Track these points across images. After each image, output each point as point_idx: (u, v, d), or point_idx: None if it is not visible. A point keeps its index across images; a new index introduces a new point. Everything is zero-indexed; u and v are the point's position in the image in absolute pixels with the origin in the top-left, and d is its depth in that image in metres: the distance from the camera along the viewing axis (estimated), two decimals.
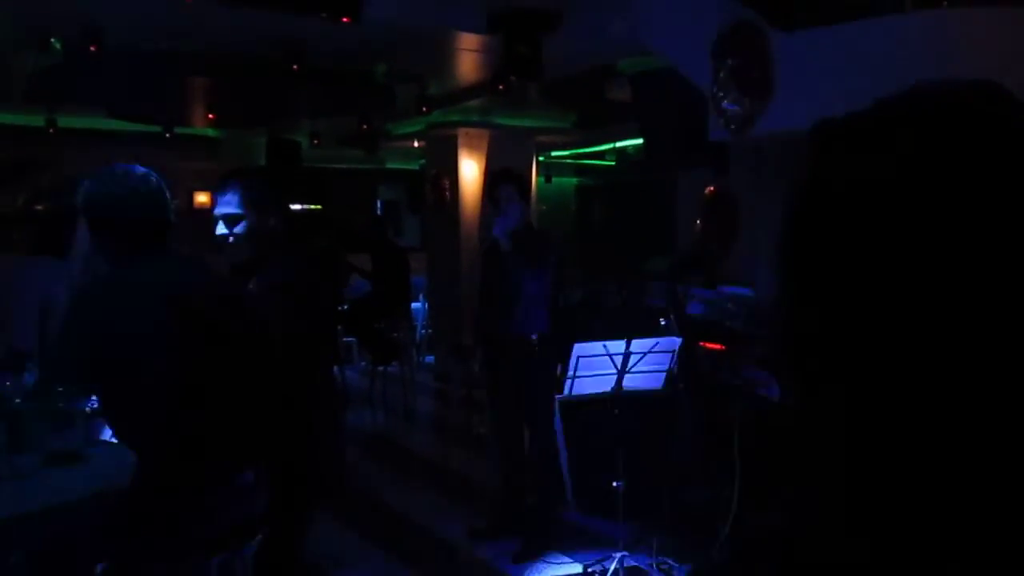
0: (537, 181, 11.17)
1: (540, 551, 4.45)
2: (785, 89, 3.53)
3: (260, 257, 3.06)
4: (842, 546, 0.64)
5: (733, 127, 3.64)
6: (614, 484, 3.90)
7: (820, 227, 0.66)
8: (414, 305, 9.97)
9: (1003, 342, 0.56)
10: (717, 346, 3.82)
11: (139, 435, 2.33)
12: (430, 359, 10.33)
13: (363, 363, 9.55)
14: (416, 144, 10.96)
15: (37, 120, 9.11)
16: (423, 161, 11.37)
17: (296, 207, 12.47)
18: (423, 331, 10.74)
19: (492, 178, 4.63)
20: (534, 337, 4.40)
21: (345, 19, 5.08)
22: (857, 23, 3.27)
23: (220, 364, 2.43)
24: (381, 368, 8.21)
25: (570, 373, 3.63)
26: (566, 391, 3.70)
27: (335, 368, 3.74)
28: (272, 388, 2.64)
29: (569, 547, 4.51)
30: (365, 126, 9.52)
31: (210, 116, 9.63)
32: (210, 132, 10.82)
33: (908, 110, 0.65)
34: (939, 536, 0.58)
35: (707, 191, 4.41)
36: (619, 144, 11.58)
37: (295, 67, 6.32)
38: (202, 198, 11.35)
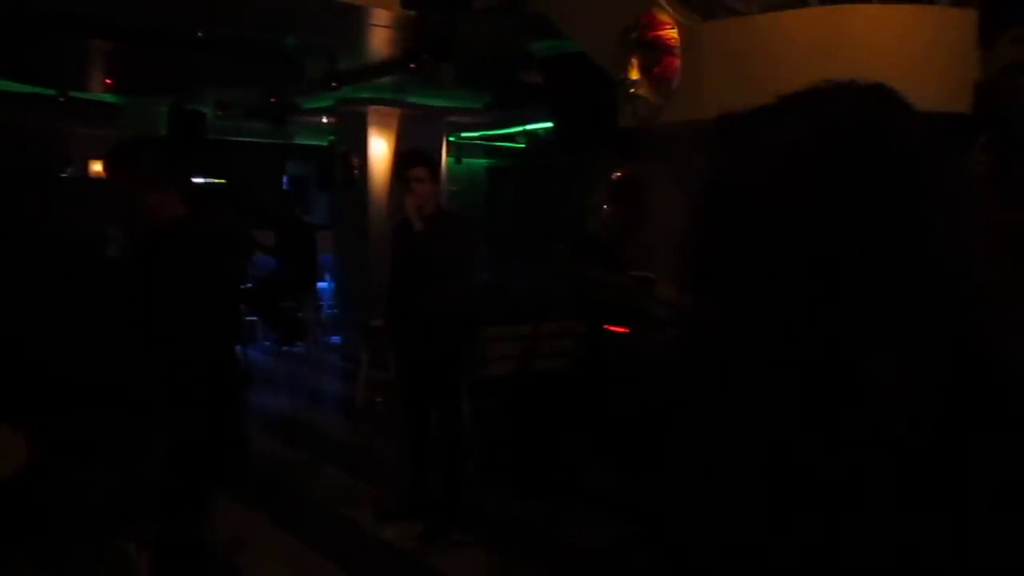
0: (448, 161, 11.13)
1: (446, 532, 4.47)
2: (694, 79, 3.61)
3: (160, 231, 2.97)
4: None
5: (641, 115, 3.71)
6: (520, 464, 3.95)
7: (717, 217, 0.68)
8: (321, 284, 9.82)
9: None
10: (622, 329, 3.90)
11: (17, 414, 2.24)
12: (336, 339, 10.20)
13: (267, 343, 9.36)
14: (325, 120, 10.75)
15: None
16: (333, 138, 11.16)
17: (199, 180, 12.07)
18: (329, 310, 10.59)
19: (403, 157, 4.59)
20: (443, 318, 4.39)
21: None
22: (763, 16, 3.37)
23: (113, 333, 2.36)
24: (286, 348, 8.06)
25: (478, 355, 3.64)
26: (474, 372, 3.71)
27: (238, 347, 3.65)
28: (169, 362, 2.57)
29: (475, 528, 4.54)
30: (273, 99, 9.28)
31: (108, 81, 9.19)
32: (108, 98, 10.34)
33: (804, 109, 0.68)
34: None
35: (614, 176, 4.48)
36: (530, 127, 11.64)
37: (199, 34, 6.10)
38: (98, 167, 10.85)
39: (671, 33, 3.68)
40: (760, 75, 3.33)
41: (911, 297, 0.58)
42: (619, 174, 4.48)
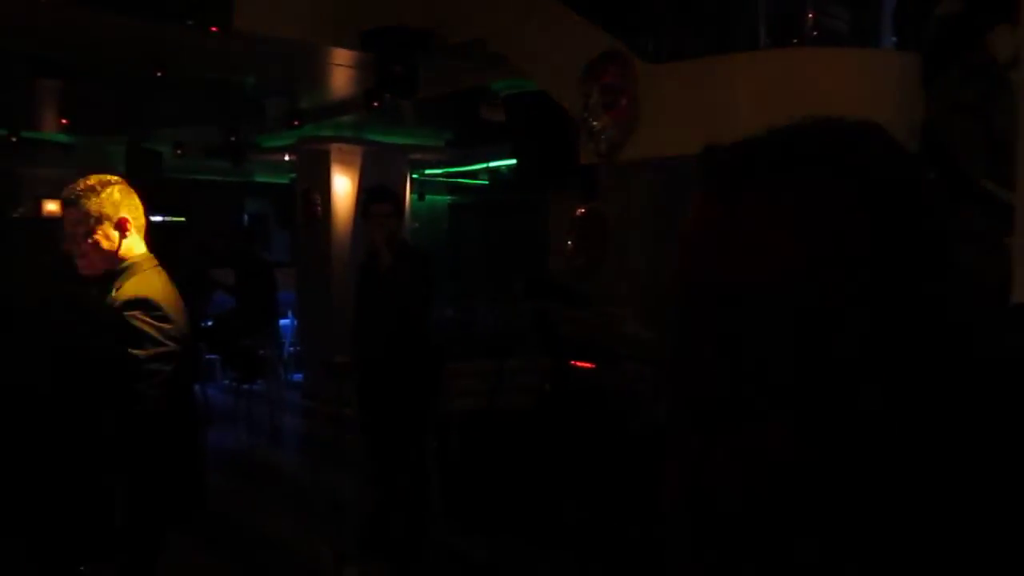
0: (411, 198, 11.14)
1: (409, 572, 4.41)
2: (653, 117, 3.69)
3: (114, 270, 2.93)
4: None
5: (602, 152, 3.77)
6: (485, 502, 3.93)
7: (707, 255, 0.68)
8: (282, 322, 9.72)
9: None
10: (588, 365, 3.92)
11: None
12: (298, 377, 10.08)
13: (226, 381, 9.22)
14: (287, 158, 10.73)
15: None
16: (293, 175, 11.13)
17: (157, 219, 11.94)
18: (291, 348, 10.48)
19: (368, 194, 4.61)
20: (407, 354, 4.38)
21: (213, 28, 4.94)
22: (717, 58, 3.47)
23: (67, 378, 2.32)
24: (246, 386, 7.95)
25: (443, 391, 3.64)
26: (438, 409, 3.70)
27: (195, 385, 3.60)
28: (121, 405, 2.53)
29: (439, 569, 4.50)
30: (232, 138, 9.24)
31: (63, 121, 9.10)
32: (61, 137, 10.22)
33: (804, 141, 0.68)
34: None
35: (577, 212, 4.54)
36: (492, 164, 11.72)
37: (159, 73, 6.09)
38: (51, 206, 10.68)
39: (629, 72, 3.76)
40: (715, 114, 3.42)
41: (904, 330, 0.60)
42: (582, 210, 4.54)
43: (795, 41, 3.76)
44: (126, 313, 2.58)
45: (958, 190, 3.17)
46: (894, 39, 4.06)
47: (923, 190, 0.65)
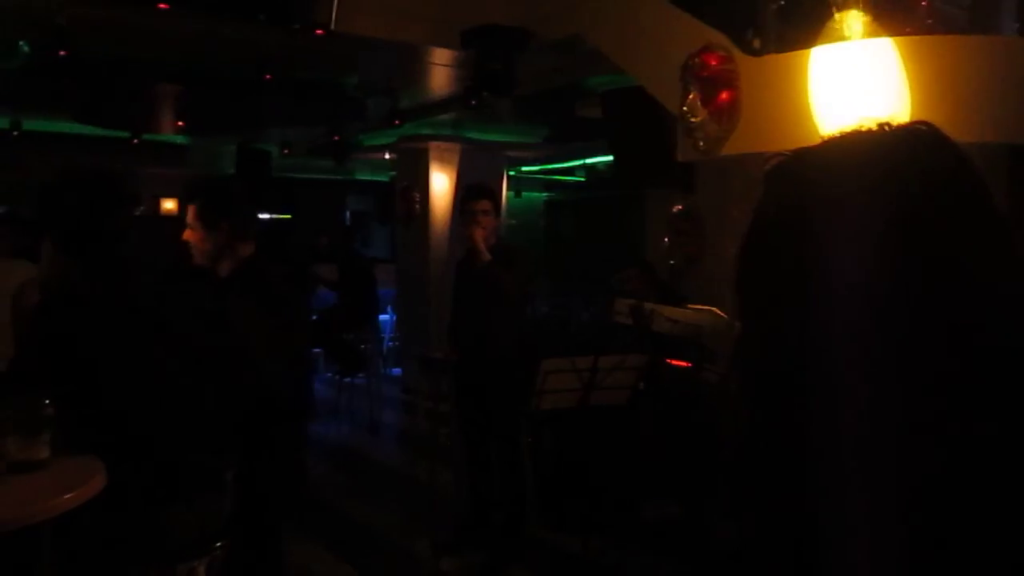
0: (507, 195, 11.22)
1: (505, 566, 4.46)
2: (753, 112, 3.60)
3: (229, 267, 3.07)
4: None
5: (701, 149, 3.71)
6: (580, 499, 3.93)
7: (760, 254, 0.72)
8: (382, 317, 9.95)
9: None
10: (684, 363, 3.87)
11: (101, 444, 2.33)
12: (397, 371, 10.30)
13: (329, 374, 9.50)
14: (387, 156, 10.96)
15: (2, 122, 8.97)
16: (393, 173, 11.36)
17: (265, 216, 12.41)
18: (390, 343, 10.71)
19: (467, 191, 4.67)
20: (504, 350, 4.43)
21: (319, 31, 5.10)
22: (815, 49, 3.36)
23: (185, 374, 2.44)
24: (348, 379, 8.18)
25: (537, 388, 3.65)
26: (533, 406, 3.72)
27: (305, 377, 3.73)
28: (239, 400, 2.64)
29: (533, 563, 4.52)
30: (336, 137, 9.50)
31: (179, 124, 9.56)
32: (177, 139, 10.72)
33: (854, 149, 0.70)
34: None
35: (674, 209, 4.48)
36: (589, 160, 11.68)
37: (267, 77, 6.31)
38: (168, 204, 11.23)
39: (729, 66, 3.69)
40: (815, 107, 3.32)
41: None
42: (680, 207, 4.48)
43: (908, 31, 3.60)
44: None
45: None
46: (1016, 26, 3.85)
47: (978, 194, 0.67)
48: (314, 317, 8.27)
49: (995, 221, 0.65)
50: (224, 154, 10.92)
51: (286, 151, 10.39)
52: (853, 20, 3.50)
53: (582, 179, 13.09)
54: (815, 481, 0.65)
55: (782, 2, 3.95)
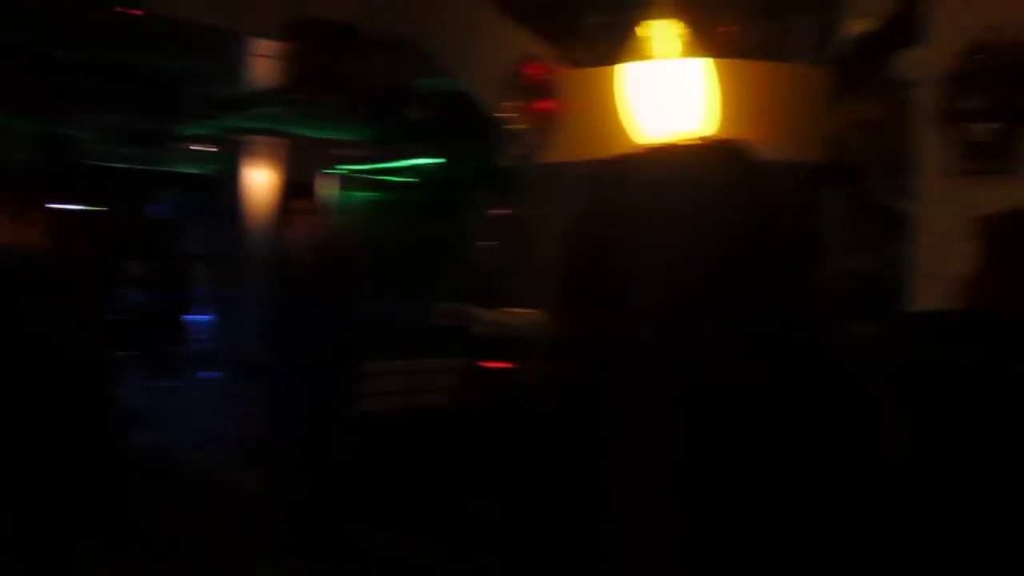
0: (331, 194, 11.01)
1: (324, 573, 4.38)
2: (571, 121, 3.73)
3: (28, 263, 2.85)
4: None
5: (522, 155, 3.81)
6: (406, 501, 3.92)
7: (577, 250, 0.76)
8: (198, 317, 9.52)
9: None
10: (505, 364, 3.95)
11: None
12: (212, 373, 9.86)
13: (139, 379, 8.96)
14: (206, 148, 10.49)
15: None
16: (213, 166, 10.89)
17: (74, 207, 11.53)
18: (205, 344, 10.25)
19: (288, 190, 4.55)
20: (324, 352, 4.34)
21: (137, 12, 4.84)
22: (630, 64, 3.53)
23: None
24: (160, 384, 7.77)
25: (361, 390, 3.62)
26: (356, 408, 3.68)
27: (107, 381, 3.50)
28: (49, 405, 2.46)
29: (358, 570, 4.47)
30: (151, 126, 9.01)
31: None
32: None
33: (668, 159, 0.76)
34: None
35: (496, 213, 4.57)
36: (417, 161, 11.67)
37: (60, 53, 5.90)
38: None
39: (550, 76, 3.81)
40: (621, 120, 3.49)
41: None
42: (501, 212, 4.58)
43: (718, 53, 3.86)
44: None
45: (859, 202, 3.31)
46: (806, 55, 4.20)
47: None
48: (124, 317, 7.79)
49: (788, 231, 0.71)
50: (23, 138, 10.04)
51: (96, 138, 9.71)
52: (669, 39, 3.72)
53: (409, 180, 13.06)
54: (608, 483, 0.69)
55: (606, 17, 4.13)
